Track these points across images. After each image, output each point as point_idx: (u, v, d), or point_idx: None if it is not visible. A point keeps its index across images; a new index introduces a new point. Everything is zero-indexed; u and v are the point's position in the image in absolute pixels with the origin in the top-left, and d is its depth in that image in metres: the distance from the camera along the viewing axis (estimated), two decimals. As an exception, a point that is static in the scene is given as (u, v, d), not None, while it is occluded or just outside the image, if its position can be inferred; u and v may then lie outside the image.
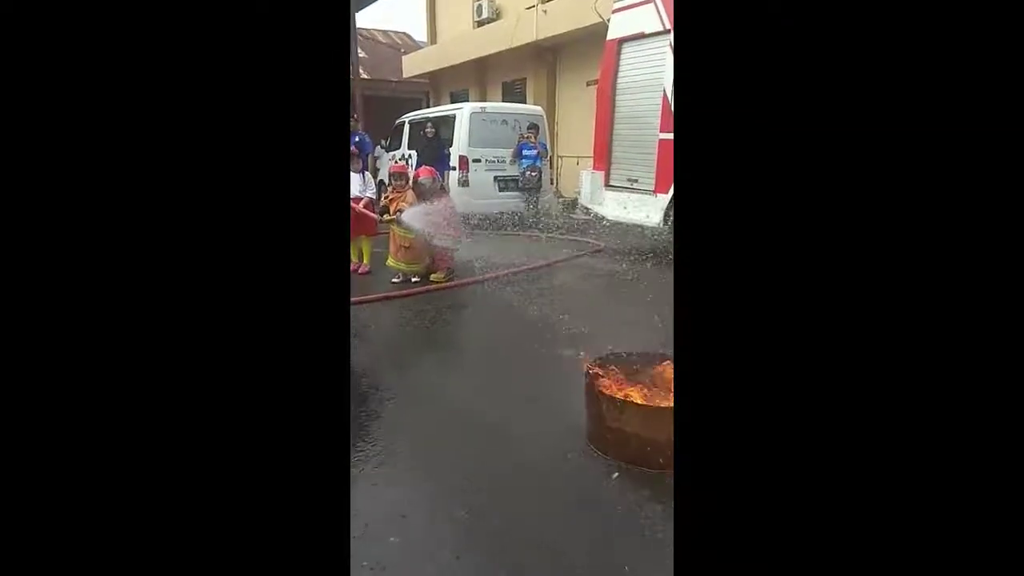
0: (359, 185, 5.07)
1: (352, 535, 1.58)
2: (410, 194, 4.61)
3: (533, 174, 7.11)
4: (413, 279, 4.56)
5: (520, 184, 7.20)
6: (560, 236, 6.45)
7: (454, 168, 6.95)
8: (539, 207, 7.39)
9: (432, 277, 4.56)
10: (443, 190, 5.02)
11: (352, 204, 4.87)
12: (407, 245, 4.51)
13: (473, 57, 11.82)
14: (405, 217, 4.40)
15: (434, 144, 7.23)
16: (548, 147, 7.86)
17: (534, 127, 7.20)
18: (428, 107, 11.81)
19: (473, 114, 7.23)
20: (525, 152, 7.10)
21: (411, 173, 4.99)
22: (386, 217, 4.62)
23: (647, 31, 5.22)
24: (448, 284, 4.53)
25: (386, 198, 4.75)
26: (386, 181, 5.70)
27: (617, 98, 5.60)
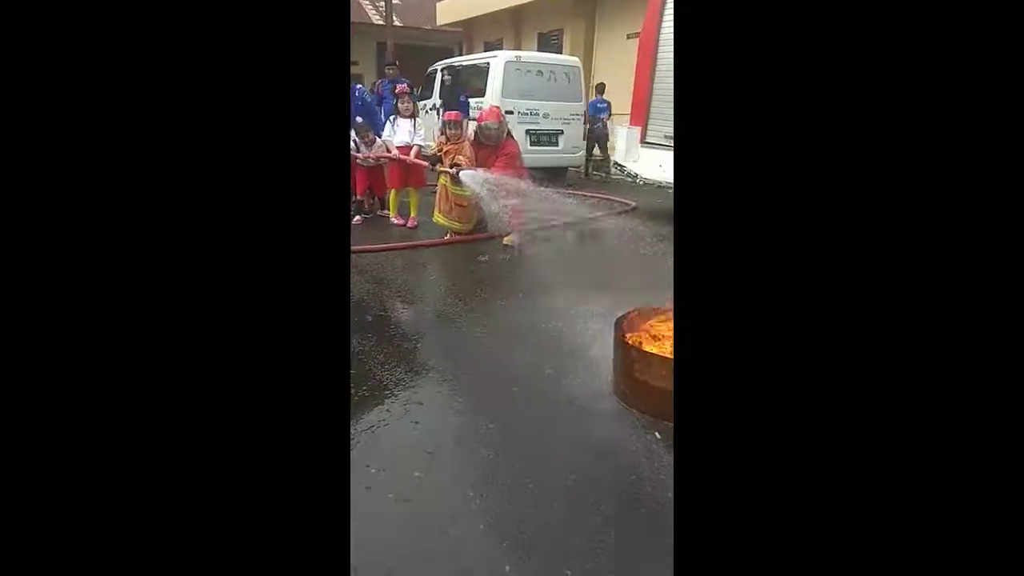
0: (409, 132, 4.79)
1: (379, 468, 1.63)
2: (467, 147, 4.22)
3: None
4: (447, 236, 4.39)
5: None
6: (591, 194, 6.35)
7: (474, 119, 6.84)
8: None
9: (505, 240, 4.22)
10: (511, 136, 4.41)
11: (402, 153, 4.67)
12: (463, 204, 4.19)
13: (509, 5, 11.44)
14: (466, 179, 4.01)
15: (452, 91, 7.04)
16: (584, 100, 7.73)
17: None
18: (461, 56, 11.55)
19: (508, 63, 7.00)
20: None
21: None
22: (439, 168, 4.24)
23: (695, -22, 4.95)
24: (474, 237, 4.45)
25: (440, 148, 4.33)
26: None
27: (659, 50, 5.36)
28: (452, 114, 4.43)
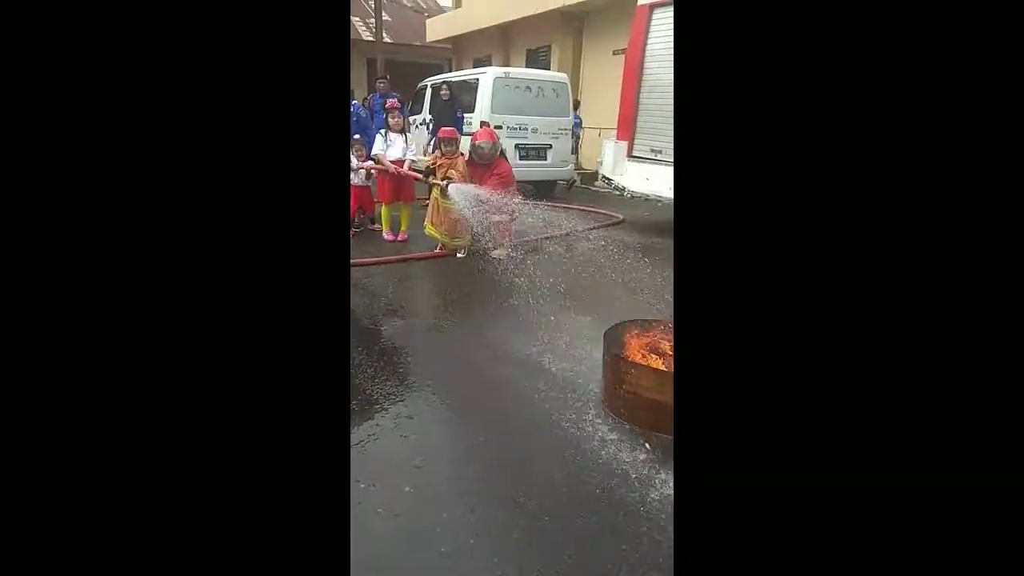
0: (403, 147, 4.77)
1: (369, 483, 1.62)
2: (460, 162, 4.23)
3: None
4: (459, 254, 4.33)
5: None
6: (580, 207, 6.39)
7: (468, 134, 6.88)
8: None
9: (494, 254, 4.15)
10: (503, 156, 4.51)
11: (395, 167, 4.65)
12: (456, 217, 4.18)
13: (498, 22, 11.59)
14: (453, 192, 4.02)
15: (449, 107, 7.10)
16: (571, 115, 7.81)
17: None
18: (450, 72, 11.64)
19: (496, 79, 7.08)
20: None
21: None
22: (431, 180, 4.25)
23: (679, -4, 5.05)
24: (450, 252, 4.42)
25: (433, 162, 4.33)
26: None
27: (645, 66, 5.45)
28: (448, 131, 4.45)
